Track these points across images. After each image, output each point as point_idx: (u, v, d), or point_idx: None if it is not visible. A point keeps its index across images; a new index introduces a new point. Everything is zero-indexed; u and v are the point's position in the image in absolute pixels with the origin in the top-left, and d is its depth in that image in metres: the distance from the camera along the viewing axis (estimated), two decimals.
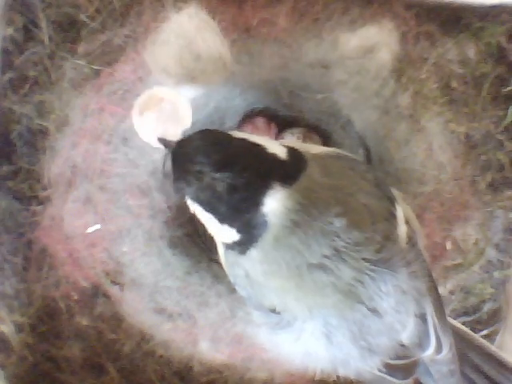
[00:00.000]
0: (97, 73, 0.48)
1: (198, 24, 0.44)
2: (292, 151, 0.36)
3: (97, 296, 0.48)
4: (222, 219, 0.34)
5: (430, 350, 0.37)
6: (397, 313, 0.35)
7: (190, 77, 0.46)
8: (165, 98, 0.47)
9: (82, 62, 0.48)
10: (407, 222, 0.38)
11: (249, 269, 0.36)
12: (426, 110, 0.49)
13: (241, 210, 0.33)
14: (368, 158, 0.53)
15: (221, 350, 0.46)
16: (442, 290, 0.46)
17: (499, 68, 0.48)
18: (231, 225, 0.34)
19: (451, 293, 0.47)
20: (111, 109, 0.48)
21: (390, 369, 0.36)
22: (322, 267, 0.33)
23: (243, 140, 0.35)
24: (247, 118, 0.62)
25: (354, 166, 0.37)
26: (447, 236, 0.47)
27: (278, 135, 0.63)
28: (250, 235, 0.34)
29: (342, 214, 0.33)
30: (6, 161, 0.49)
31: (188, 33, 0.45)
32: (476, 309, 0.47)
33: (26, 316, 0.48)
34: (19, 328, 0.47)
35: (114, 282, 0.48)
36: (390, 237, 0.35)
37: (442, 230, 0.47)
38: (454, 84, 0.49)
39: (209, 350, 0.46)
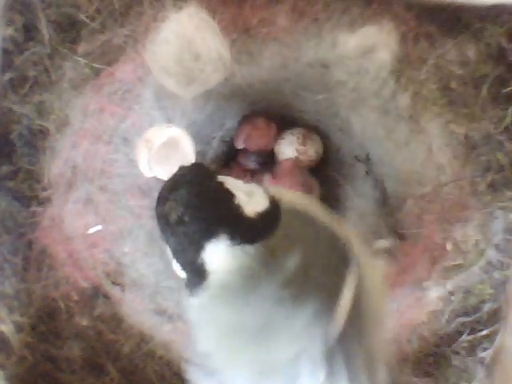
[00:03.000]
0: (97, 73, 0.47)
1: (197, 24, 0.43)
2: (271, 209, 0.33)
3: (97, 297, 0.47)
4: (173, 252, 0.33)
5: None
6: None
7: (189, 76, 0.45)
8: (170, 135, 0.47)
9: (82, 62, 0.46)
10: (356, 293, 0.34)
11: (192, 309, 0.34)
12: (425, 111, 0.47)
13: (184, 246, 0.32)
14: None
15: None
16: (442, 291, 0.45)
17: (499, 68, 0.46)
18: (177, 260, 0.33)
19: (451, 293, 0.46)
20: (111, 109, 0.47)
21: None
22: (253, 336, 0.32)
23: (218, 183, 0.33)
24: (247, 117, 0.60)
25: (314, 229, 0.34)
26: (447, 237, 0.45)
27: (277, 135, 0.62)
28: (192, 278, 0.33)
29: (288, 287, 0.31)
30: (6, 161, 0.47)
31: (188, 32, 0.44)
32: (476, 309, 0.46)
33: (26, 316, 0.46)
34: (19, 328, 0.46)
35: (114, 283, 0.47)
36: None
37: (442, 231, 0.45)
38: (454, 85, 0.47)
39: None
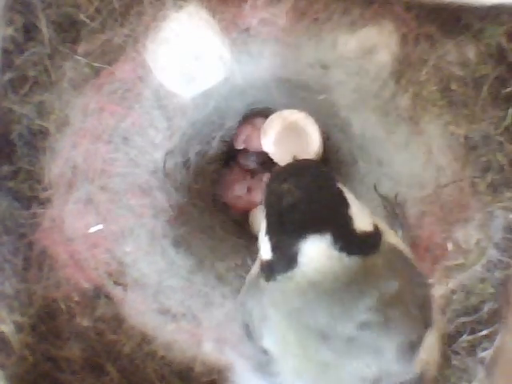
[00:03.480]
0: (97, 72, 0.46)
1: (197, 23, 0.43)
2: (374, 233, 0.33)
3: (98, 297, 0.46)
4: (269, 229, 0.33)
5: None
6: None
7: (189, 76, 0.45)
8: (294, 120, 0.49)
9: (82, 62, 0.46)
10: (429, 351, 0.34)
11: (265, 298, 0.33)
12: (425, 112, 0.47)
13: (286, 230, 0.32)
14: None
15: (226, 351, 0.45)
16: (443, 290, 0.44)
17: (499, 69, 0.46)
18: (270, 238, 0.32)
19: (453, 292, 0.45)
20: (111, 108, 0.46)
21: None
22: (329, 347, 0.31)
23: (339, 189, 0.34)
24: (247, 118, 0.60)
25: (411, 276, 0.34)
26: (448, 237, 0.45)
27: None
28: (279, 263, 0.32)
29: (374, 312, 0.30)
30: (6, 161, 0.47)
31: (188, 32, 0.44)
32: (477, 309, 0.45)
33: (26, 316, 0.46)
34: (19, 328, 0.46)
35: (116, 283, 0.47)
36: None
37: (443, 232, 0.45)
38: (454, 86, 0.47)
39: (213, 350, 0.45)
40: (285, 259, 0.32)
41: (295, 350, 0.32)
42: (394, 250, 0.34)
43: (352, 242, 0.31)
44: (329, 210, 0.32)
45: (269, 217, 0.33)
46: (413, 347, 0.32)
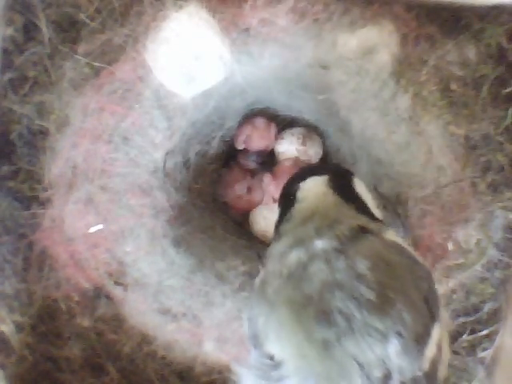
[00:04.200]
0: (97, 72, 0.46)
1: (197, 23, 0.43)
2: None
3: (98, 297, 0.46)
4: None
5: None
6: None
7: (189, 76, 0.45)
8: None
9: (82, 62, 0.46)
10: (438, 347, 0.33)
11: (271, 259, 0.35)
12: (425, 112, 0.47)
13: (290, 178, 0.40)
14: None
15: (226, 351, 0.44)
16: (443, 289, 0.44)
17: (499, 69, 0.46)
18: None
19: (453, 292, 0.45)
20: (111, 108, 0.46)
21: None
22: (329, 322, 0.30)
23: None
24: (247, 118, 0.60)
25: (413, 269, 0.34)
26: (448, 237, 0.45)
27: (277, 135, 0.61)
28: (283, 203, 0.38)
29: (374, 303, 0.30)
30: (6, 161, 0.47)
31: (188, 32, 0.43)
32: (477, 309, 0.45)
33: (26, 316, 0.46)
34: (19, 328, 0.46)
35: (117, 283, 0.46)
36: None
37: (443, 233, 0.45)
38: (454, 86, 0.47)
39: (214, 350, 0.45)
40: (286, 199, 0.37)
41: (296, 336, 0.31)
42: (394, 243, 0.34)
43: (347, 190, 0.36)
44: (335, 166, 0.39)
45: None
46: (419, 339, 0.31)
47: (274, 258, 0.35)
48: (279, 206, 0.40)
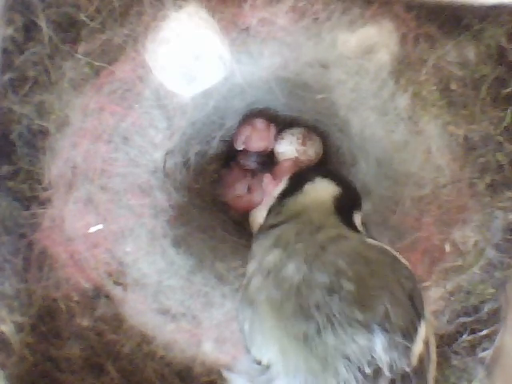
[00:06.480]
0: (97, 72, 0.45)
1: (197, 23, 0.42)
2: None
3: (98, 297, 0.46)
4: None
5: None
6: None
7: (189, 76, 0.44)
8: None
9: (82, 62, 0.45)
10: (426, 344, 0.33)
11: (255, 249, 0.36)
12: (424, 112, 0.46)
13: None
14: None
15: (225, 351, 0.44)
16: (441, 292, 0.44)
17: (499, 69, 0.45)
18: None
19: (451, 294, 0.45)
20: (111, 108, 0.46)
21: None
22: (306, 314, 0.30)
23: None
24: (247, 118, 0.59)
25: (396, 268, 0.34)
26: (446, 238, 0.44)
27: (277, 135, 0.61)
28: (291, 186, 0.40)
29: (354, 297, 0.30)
30: (6, 161, 0.46)
31: (188, 31, 0.43)
32: (477, 309, 0.45)
33: (26, 316, 0.45)
34: (19, 328, 0.45)
35: (116, 283, 0.46)
36: None
37: (441, 233, 0.45)
38: (454, 86, 0.46)
39: (213, 350, 0.45)
40: (295, 184, 0.39)
41: (276, 333, 0.31)
42: (377, 245, 0.35)
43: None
44: (354, 188, 0.41)
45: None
46: (406, 334, 0.31)
47: (256, 258, 0.35)
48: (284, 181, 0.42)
